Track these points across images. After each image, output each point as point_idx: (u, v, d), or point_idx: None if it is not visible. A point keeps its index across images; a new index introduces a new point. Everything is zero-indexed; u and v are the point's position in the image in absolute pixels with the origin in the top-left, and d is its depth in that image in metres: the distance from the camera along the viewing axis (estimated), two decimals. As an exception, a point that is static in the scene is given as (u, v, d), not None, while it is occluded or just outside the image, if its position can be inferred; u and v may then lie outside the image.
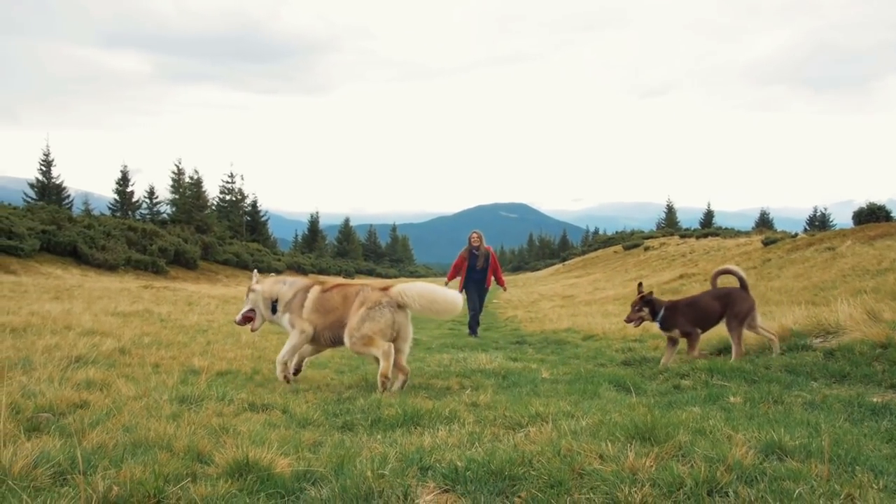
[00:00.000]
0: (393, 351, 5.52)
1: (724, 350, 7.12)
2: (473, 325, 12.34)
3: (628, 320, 6.80)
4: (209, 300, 20.27)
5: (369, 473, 2.53)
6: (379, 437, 3.47)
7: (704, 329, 6.67)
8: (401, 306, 5.78)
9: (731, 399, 4.27)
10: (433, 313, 5.90)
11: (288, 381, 5.95)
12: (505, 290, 13.53)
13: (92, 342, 7.65)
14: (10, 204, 39.96)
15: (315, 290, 6.13)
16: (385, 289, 5.93)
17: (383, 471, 2.60)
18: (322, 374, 6.92)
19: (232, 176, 62.14)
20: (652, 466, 2.55)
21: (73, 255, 32.09)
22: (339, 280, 6.66)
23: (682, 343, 6.84)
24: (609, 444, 2.80)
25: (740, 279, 6.52)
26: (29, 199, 49.05)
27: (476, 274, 12.12)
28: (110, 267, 32.55)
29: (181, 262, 39.83)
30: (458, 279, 12.21)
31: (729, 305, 6.36)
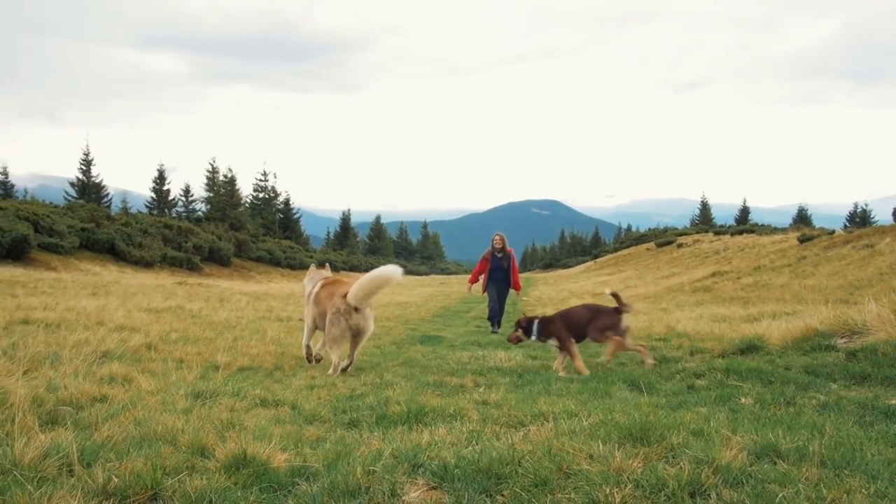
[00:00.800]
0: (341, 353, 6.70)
1: (745, 350, 7.01)
2: (493, 321, 12.63)
3: (509, 339, 7.78)
4: (240, 297, 20.63)
5: (359, 470, 2.57)
6: (380, 434, 3.51)
7: (577, 338, 7.16)
8: (357, 309, 6.63)
9: (742, 400, 4.20)
10: (379, 289, 6.82)
11: (310, 360, 7.26)
12: (518, 294, 13.62)
13: (121, 338, 7.87)
14: (51, 202, 41.18)
15: (315, 289, 7.29)
16: (345, 295, 6.68)
17: (374, 467, 2.64)
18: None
19: (265, 174, 63.02)
20: (639, 467, 2.54)
21: (111, 252, 32.92)
22: (332, 277, 7.78)
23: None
24: (601, 445, 2.79)
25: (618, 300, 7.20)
26: (70, 198, 50.48)
27: (498, 274, 12.43)
28: (147, 264, 33.32)
29: (215, 259, 40.58)
30: (482, 279, 12.61)
31: (593, 320, 7.06)
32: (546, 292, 34.08)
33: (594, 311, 7.16)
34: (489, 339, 11.25)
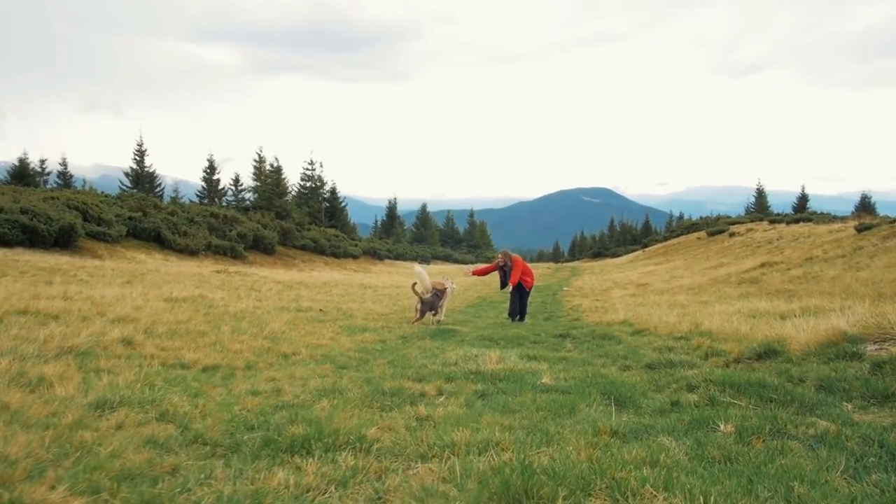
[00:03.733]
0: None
1: (763, 355, 6.17)
2: (512, 315, 13.96)
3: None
4: (273, 285, 20.41)
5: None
6: (239, 468, 2.92)
7: None
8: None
9: (721, 427, 3.42)
10: (419, 280, 11.62)
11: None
12: (513, 286, 14.12)
13: (100, 331, 7.50)
14: (103, 192, 42.35)
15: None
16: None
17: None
18: (319, 370, 6.51)
19: (312, 163, 63.30)
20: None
21: (156, 240, 33.47)
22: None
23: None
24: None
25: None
26: (124, 187, 51.93)
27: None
28: (191, 252, 33.77)
29: (259, 247, 40.96)
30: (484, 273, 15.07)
31: None
32: (589, 282, 33.05)
33: None
34: (504, 334, 10.64)
